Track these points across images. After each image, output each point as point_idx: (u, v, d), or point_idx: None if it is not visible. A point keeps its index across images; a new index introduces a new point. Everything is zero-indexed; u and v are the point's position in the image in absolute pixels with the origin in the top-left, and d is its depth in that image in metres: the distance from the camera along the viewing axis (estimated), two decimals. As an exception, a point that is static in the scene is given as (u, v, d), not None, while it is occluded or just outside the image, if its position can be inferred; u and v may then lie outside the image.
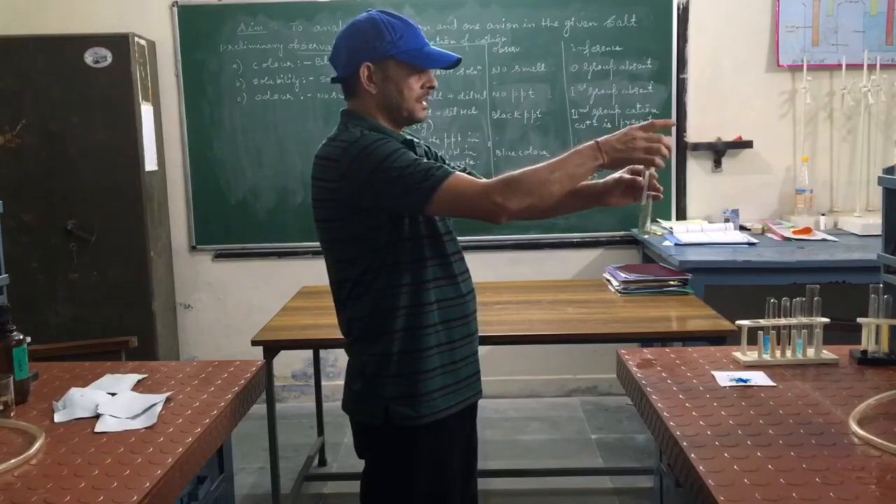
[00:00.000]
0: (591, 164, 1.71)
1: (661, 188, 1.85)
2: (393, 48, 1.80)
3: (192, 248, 4.37)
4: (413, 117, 1.88)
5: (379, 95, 1.84)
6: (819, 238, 3.77)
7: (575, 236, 4.30)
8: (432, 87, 1.88)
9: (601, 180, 1.94)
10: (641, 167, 1.83)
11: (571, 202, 1.95)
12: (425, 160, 1.78)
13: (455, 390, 1.88)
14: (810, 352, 1.93)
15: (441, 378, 1.85)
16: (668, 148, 1.72)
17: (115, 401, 1.75)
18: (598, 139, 1.72)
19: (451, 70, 4.13)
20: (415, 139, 1.92)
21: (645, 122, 1.74)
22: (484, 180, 1.76)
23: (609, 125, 4.19)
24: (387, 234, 1.80)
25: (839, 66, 4.12)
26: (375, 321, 1.83)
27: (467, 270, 1.96)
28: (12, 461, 1.44)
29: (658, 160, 1.72)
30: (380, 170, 1.72)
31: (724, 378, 1.81)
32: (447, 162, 2.00)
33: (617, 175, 1.90)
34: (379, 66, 1.82)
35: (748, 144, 4.20)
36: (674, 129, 4.18)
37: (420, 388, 1.82)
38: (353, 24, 1.86)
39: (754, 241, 3.72)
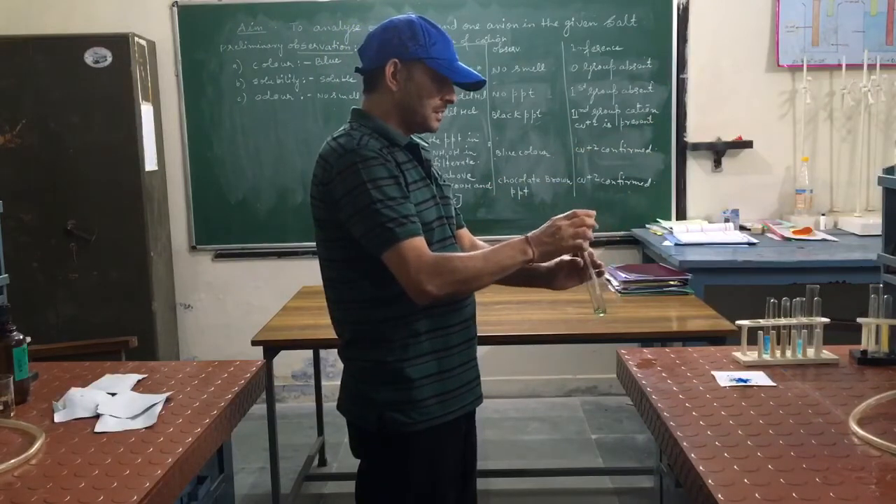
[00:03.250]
0: (521, 258, 1.75)
1: (601, 264, 1.88)
2: (423, 52, 1.80)
3: (192, 248, 4.37)
4: (425, 125, 1.86)
5: (398, 94, 1.82)
6: (819, 238, 3.77)
7: (575, 236, 4.29)
8: (451, 102, 1.87)
9: (545, 264, 1.90)
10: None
11: (517, 281, 1.94)
12: (400, 203, 1.73)
13: (453, 397, 1.86)
14: (810, 352, 1.93)
15: (437, 385, 1.83)
16: (594, 228, 1.77)
17: (115, 401, 1.75)
18: (529, 234, 1.76)
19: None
20: (421, 143, 1.91)
21: (568, 213, 1.76)
22: (430, 255, 1.72)
23: (609, 125, 4.20)
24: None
25: (839, 66, 4.12)
26: (368, 329, 1.83)
27: None
28: (12, 461, 1.44)
29: (585, 244, 1.76)
30: (355, 193, 1.71)
31: (724, 378, 1.81)
32: (446, 181, 1.99)
33: (557, 259, 1.89)
34: (405, 66, 1.80)
35: (748, 144, 4.20)
36: (674, 130, 4.20)
37: (415, 396, 1.81)
38: (391, 20, 1.87)
39: (754, 241, 3.72)
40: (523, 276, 1.91)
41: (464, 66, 1.86)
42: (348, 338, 1.88)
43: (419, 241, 1.72)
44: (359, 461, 1.94)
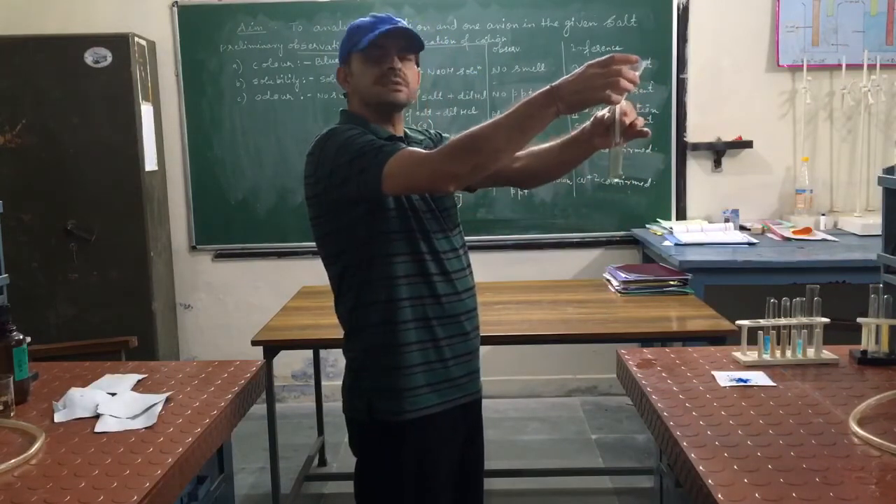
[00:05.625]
0: (546, 112, 1.59)
1: (642, 122, 1.77)
2: (350, 44, 1.87)
3: (192, 248, 4.37)
4: (384, 101, 1.85)
5: (355, 92, 1.90)
6: (819, 238, 3.77)
7: (575, 236, 4.30)
8: (392, 67, 1.84)
9: (584, 125, 1.89)
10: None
11: (569, 154, 1.94)
12: (380, 141, 1.77)
13: (444, 388, 1.87)
14: (810, 352, 1.92)
15: (425, 375, 1.85)
16: (633, 82, 1.57)
17: (115, 401, 1.75)
18: (553, 83, 1.60)
19: (452, 70, 4.17)
20: (413, 137, 1.95)
21: (604, 58, 1.56)
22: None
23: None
24: (365, 229, 1.81)
25: (839, 66, 4.12)
26: (357, 316, 1.86)
27: (463, 269, 1.93)
28: (12, 461, 1.44)
29: (616, 97, 1.57)
30: (339, 153, 1.75)
31: (724, 378, 1.81)
32: None
33: (596, 115, 1.86)
34: (347, 66, 1.91)
35: (748, 144, 4.20)
36: (674, 130, 4.20)
37: (401, 384, 1.83)
38: None
39: (754, 241, 3.72)
40: (562, 143, 1.91)
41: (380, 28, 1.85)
42: (346, 330, 1.92)
43: (414, 149, 1.75)
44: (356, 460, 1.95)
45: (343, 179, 1.75)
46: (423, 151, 1.74)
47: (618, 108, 1.73)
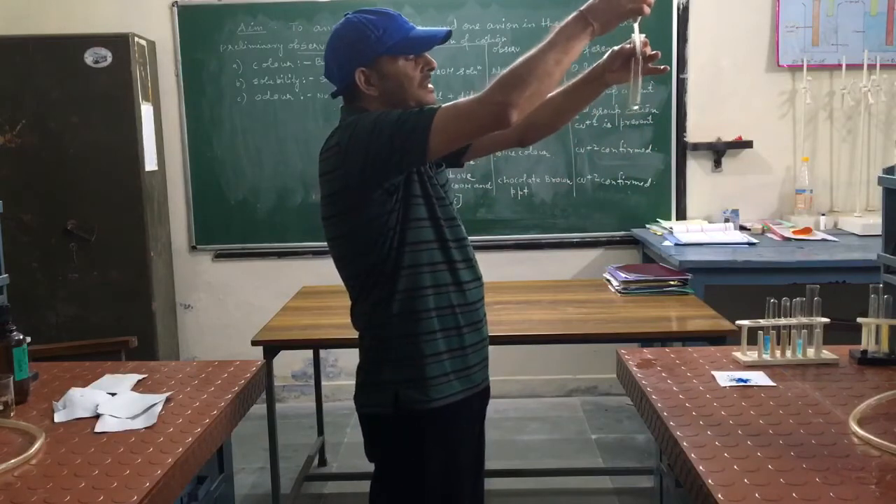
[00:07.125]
0: (582, 32, 1.69)
1: (659, 54, 1.88)
2: (380, 46, 1.79)
3: (192, 248, 4.37)
4: (423, 103, 1.83)
5: (383, 95, 1.82)
6: (819, 238, 3.77)
7: (575, 236, 4.30)
8: (432, 69, 1.85)
9: (596, 63, 1.95)
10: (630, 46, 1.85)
11: (577, 95, 1.97)
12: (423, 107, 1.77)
13: (464, 376, 1.87)
14: (810, 352, 1.93)
15: (450, 362, 1.84)
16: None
17: (115, 401, 1.75)
18: (581, 8, 1.69)
19: (452, 70, 4.17)
20: None
21: None
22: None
23: (609, 125, 4.19)
24: (397, 218, 1.78)
25: (839, 66, 4.11)
26: (380, 309, 1.83)
27: (473, 257, 1.94)
28: (12, 461, 1.44)
29: (645, 8, 1.72)
30: (375, 131, 1.70)
31: (724, 378, 1.81)
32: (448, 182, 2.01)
33: (613, 49, 1.92)
34: (372, 68, 1.81)
35: (748, 144, 4.20)
36: (674, 130, 4.20)
37: (428, 372, 1.81)
38: (334, 34, 1.87)
39: (754, 241, 3.72)
40: (579, 80, 1.94)
41: (422, 30, 1.85)
42: (364, 326, 1.88)
43: (450, 103, 1.71)
44: (362, 461, 1.94)
45: (387, 155, 1.69)
46: (464, 99, 1.70)
47: (637, 39, 1.86)
